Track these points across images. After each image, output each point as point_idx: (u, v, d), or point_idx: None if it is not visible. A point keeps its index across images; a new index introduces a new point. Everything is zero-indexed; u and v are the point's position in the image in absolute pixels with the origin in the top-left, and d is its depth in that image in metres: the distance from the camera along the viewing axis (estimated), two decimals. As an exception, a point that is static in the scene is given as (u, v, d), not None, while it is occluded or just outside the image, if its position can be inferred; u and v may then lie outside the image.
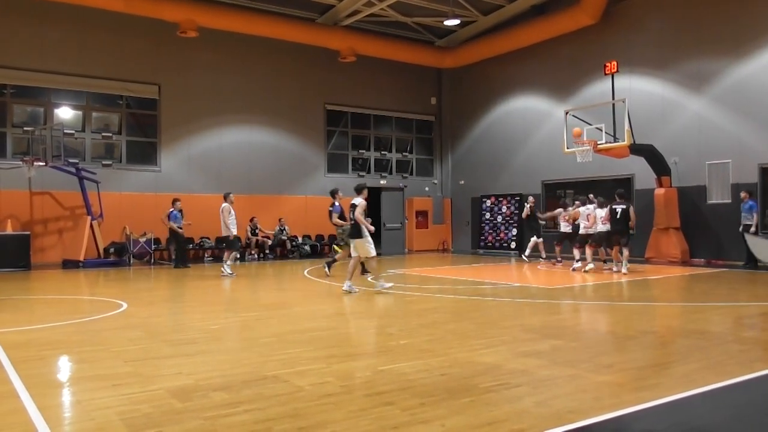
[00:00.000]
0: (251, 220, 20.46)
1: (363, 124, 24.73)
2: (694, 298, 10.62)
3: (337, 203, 14.08)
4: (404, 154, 25.77)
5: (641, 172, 18.49)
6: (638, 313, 9.05)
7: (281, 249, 21.35)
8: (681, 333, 7.37)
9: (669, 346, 6.73)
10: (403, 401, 4.48)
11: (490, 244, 23.68)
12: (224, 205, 14.85)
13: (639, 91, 18.72)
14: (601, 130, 16.86)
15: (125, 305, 9.57)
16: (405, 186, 25.26)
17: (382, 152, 25.18)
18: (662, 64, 18.48)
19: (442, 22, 22.26)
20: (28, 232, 17.16)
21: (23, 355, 6.09)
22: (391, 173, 25.20)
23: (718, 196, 17.18)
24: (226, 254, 15.26)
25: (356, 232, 11.05)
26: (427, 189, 25.85)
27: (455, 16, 21.63)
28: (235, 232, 14.96)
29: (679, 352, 6.32)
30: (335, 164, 23.82)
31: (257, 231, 20.61)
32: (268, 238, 20.82)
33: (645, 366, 5.71)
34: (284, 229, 21.21)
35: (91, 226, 17.62)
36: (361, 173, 24.24)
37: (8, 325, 7.84)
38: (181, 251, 17.47)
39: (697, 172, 17.59)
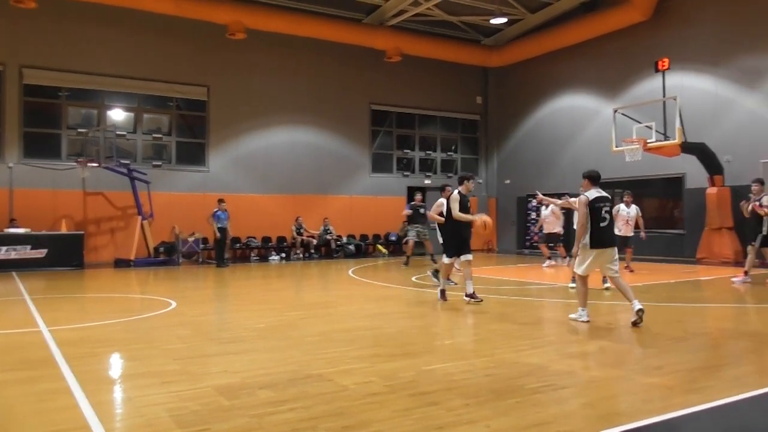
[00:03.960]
0: (296, 219, 20.69)
1: (408, 124, 24.71)
2: (747, 300, 10.34)
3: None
4: (449, 153, 25.67)
5: (693, 171, 18.05)
6: (689, 314, 8.85)
7: (326, 248, 21.47)
8: (733, 335, 7.18)
9: (721, 348, 6.56)
10: (447, 401, 4.46)
11: (535, 244, 23.41)
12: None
13: (690, 88, 18.26)
14: (651, 129, 16.57)
15: (174, 304, 9.75)
16: (449, 186, 25.10)
17: (427, 152, 25.13)
18: (715, 61, 17.99)
19: (489, 20, 22.14)
20: (81, 232, 17.54)
21: (77, 352, 6.25)
22: (435, 173, 25.11)
23: (774, 195, 16.60)
24: None
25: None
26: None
27: (502, 15, 21.49)
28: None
29: (731, 354, 6.15)
30: (380, 164, 23.86)
31: (302, 230, 20.79)
32: (313, 237, 20.98)
33: (695, 368, 5.56)
34: (329, 228, 21.34)
35: (142, 225, 18.01)
36: (405, 173, 24.25)
37: (63, 323, 8.06)
38: (220, 250, 17.68)
39: (752, 171, 17.04)
